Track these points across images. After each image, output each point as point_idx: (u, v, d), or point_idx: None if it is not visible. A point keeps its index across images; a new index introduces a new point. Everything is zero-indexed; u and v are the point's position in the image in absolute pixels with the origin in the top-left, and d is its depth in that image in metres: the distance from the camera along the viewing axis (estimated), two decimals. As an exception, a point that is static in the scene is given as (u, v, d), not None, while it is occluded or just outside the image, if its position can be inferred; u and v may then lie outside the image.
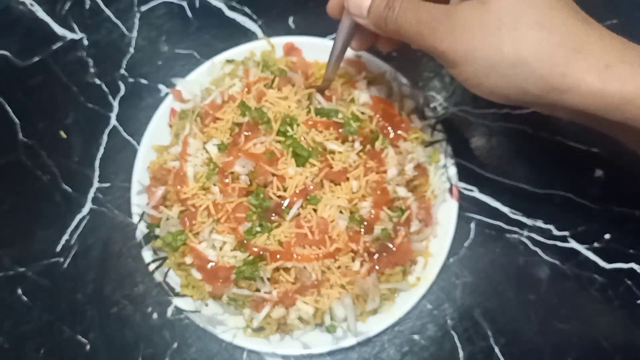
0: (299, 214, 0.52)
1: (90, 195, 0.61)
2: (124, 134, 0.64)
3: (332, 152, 0.54)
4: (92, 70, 0.67)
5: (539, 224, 0.59)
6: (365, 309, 0.53)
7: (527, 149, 0.62)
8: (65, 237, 0.60)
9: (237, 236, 0.52)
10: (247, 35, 0.68)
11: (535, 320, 0.55)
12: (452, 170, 0.58)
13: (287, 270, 0.52)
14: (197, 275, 0.54)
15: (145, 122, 0.60)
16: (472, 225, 0.59)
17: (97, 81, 0.67)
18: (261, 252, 0.51)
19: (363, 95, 0.58)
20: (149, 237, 0.56)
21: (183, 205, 0.55)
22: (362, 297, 0.53)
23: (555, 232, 0.58)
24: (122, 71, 0.67)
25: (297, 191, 0.52)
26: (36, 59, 0.68)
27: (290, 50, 0.63)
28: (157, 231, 0.56)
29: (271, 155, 0.53)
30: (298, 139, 0.53)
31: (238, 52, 0.62)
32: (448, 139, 0.59)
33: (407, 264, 0.55)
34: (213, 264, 0.53)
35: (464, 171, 0.60)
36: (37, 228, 0.60)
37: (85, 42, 0.69)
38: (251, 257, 0.52)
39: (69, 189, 0.62)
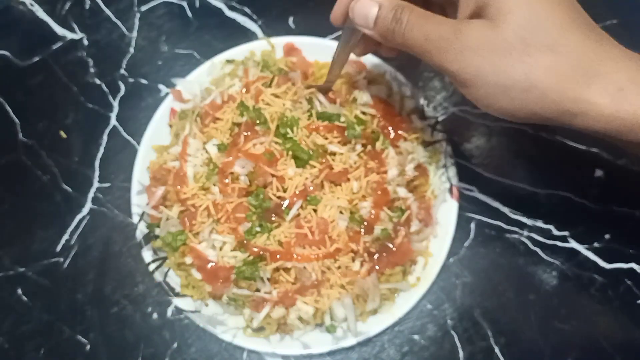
0: (298, 215, 0.52)
1: (90, 195, 0.61)
2: (124, 134, 0.64)
3: (333, 153, 0.54)
4: (92, 70, 0.67)
5: (539, 224, 0.59)
6: (365, 309, 0.53)
7: (527, 149, 0.62)
8: (65, 237, 0.60)
9: (237, 236, 0.52)
10: (247, 35, 0.68)
11: (535, 320, 0.55)
12: (452, 170, 0.58)
13: (287, 270, 0.52)
14: (197, 275, 0.54)
15: (145, 122, 0.60)
16: (472, 225, 0.59)
17: (97, 81, 0.67)
18: (261, 252, 0.51)
19: (364, 95, 0.58)
20: (149, 237, 0.56)
21: (183, 205, 0.55)
22: (362, 297, 0.53)
23: (555, 232, 0.58)
24: (122, 71, 0.67)
25: (297, 192, 0.52)
26: (36, 59, 0.68)
27: (290, 50, 0.63)
28: (157, 231, 0.56)
29: (271, 156, 0.53)
30: (298, 142, 0.53)
31: (238, 52, 0.62)
32: (448, 139, 0.59)
33: (407, 264, 0.55)
34: (213, 264, 0.53)
35: (464, 171, 0.60)
36: (37, 228, 0.60)
37: (85, 42, 0.69)
38: (251, 257, 0.52)
39: (69, 189, 0.62)
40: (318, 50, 0.62)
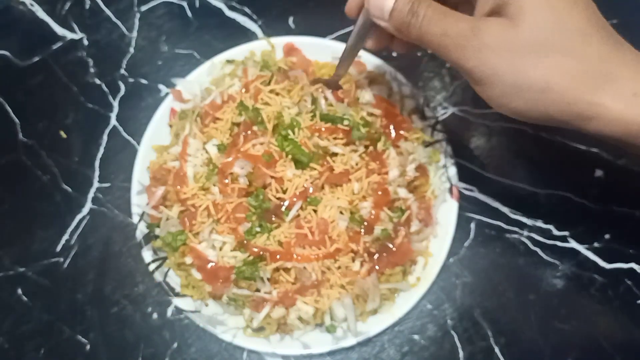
0: (298, 215, 0.52)
1: (90, 195, 0.61)
2: (124, 134, 0.64)
3: (335, 154, 0.54)
4: (92, 70, 0.67)
5: (539, 224, 0.59)
6: (365, 309, 0.53)
7: (527, 149, 0.62)
8: (65, 237, 0.60)
9: (237, 236, 0.52)
10: (247, 35, 0.68)
11: (535, 320, 0.55)
12: (452, 170, 0.58)
13: (287, 270, 0.52)
14: (197, 275, 0.54)
15: (145, 122, 0.60)
16: (472, 225, 0.59)
17: (97, 81, 0.67)
18: (261, 253, 0.51)
19: (367, 94, 0.58)
20: (149, 237, 0.56)
21: (183, 206, 0.55)
22: (362, 297, 0.53)
23: (555, 232, 0.58)
24: (122, 71, 0.67)
25: (297, 193, 0.52)
26: (36, 59, 0.68)
27: (290, 50, 0.63)
28: (157, 231, 0.56)
29: (269, 157, 0.52)
30: (299, 143, 0.53)
31: (238, 52, 0.62)
32: (448, 139, 0.59)
33: (407, 264, 0.55)
34: (213, 264, 0.53)
35: (464, 171, 0.60)
36: (37, 228, 0.60)
37: (85, 42, 0.69)
38: (251, 258, 0.52)
39: (69, 189, 0.62)
40: (318, 50, 0.62)
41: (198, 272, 0.54)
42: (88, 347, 0.56)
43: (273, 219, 0.52)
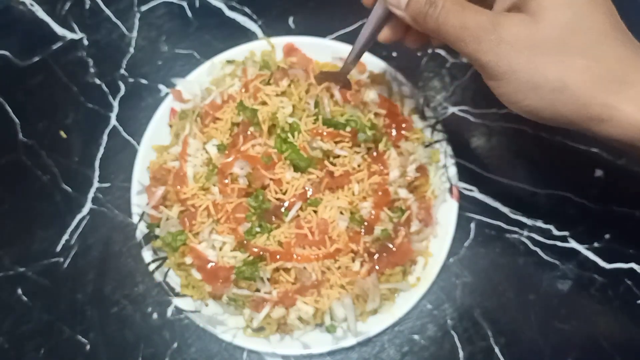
0: (298, 215, 0.52)
1: (90, 195, 0.61)
2: (124, 134, 0.64)
3: (337, 156, 0.54)
4: (92, 70, 0.67)
5: (539, 224, 0.59)
6: (365, 309, 0.53)
7: (527, 149, 0.62)
8: (65, 237, 0.60)
9: (236, 236, 0.52)
10: (247, 35, 0.68)
11: (535, 320, 0.55)
12: (452, 170, 0.58)
13: (287, 270, 0.52)
14: (197, 275, 0.54)
15: (145, 122, 0.60)
16: (472, 225, 0.59)
17: (97, 81, 0.67)
18: (261, 253, 0.51)
19: (372, 93, 0.58)
20: (149, 237, 0.56)
21: (183, 206, 0.55)
22: (362, 297, 0.53)
23: (555, 232, 0.58)
24: (122, 71, 0.67)
25: (297, 194, 0.52)
26: (36, 59, 0.68)
27: (290, 51, 0.62)
28: (157, 231, 0.56)
29: (268, 159, 0.52)
30: (298, 148, 0.52)
31: (238, 52, 0.62)
32: (448, 139, 0.59)
33: (407, 264, 0.55)
34: (213, 264, 0.53)
35: (464, 171, 0.60)
36: (37, 228, 0.60)
37: (85, 42, 0.69)
38: (251, 258, 0.52)
39: (69, 189, 0.62)
40: (318, 50, 0.62)
41: (198, 272, 0.54)
42: (88, 347, 0.56)
43: (273, 219, 0.52)
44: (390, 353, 0.55)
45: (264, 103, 0.56)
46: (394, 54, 0.65)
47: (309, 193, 0.52)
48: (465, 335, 0.55)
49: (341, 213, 0.52)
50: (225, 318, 0.54)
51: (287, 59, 0.62)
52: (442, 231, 0.56)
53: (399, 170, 0.55)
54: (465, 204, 0.59)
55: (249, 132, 0.54)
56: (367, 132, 0.54)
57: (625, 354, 0.54)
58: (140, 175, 0.58)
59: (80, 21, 0.70)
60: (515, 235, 0.58)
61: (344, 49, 0.61)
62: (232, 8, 0.70)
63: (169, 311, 0.57)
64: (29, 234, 0.60)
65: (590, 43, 0.36)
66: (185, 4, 0.70)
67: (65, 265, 0.59)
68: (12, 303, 0.57)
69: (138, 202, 0.57)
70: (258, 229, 0.52)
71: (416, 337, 0.55)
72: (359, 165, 0.54)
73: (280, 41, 0.63)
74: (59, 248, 0.59)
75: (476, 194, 0.60)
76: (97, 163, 0.63)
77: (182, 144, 0.57)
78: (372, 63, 0.61)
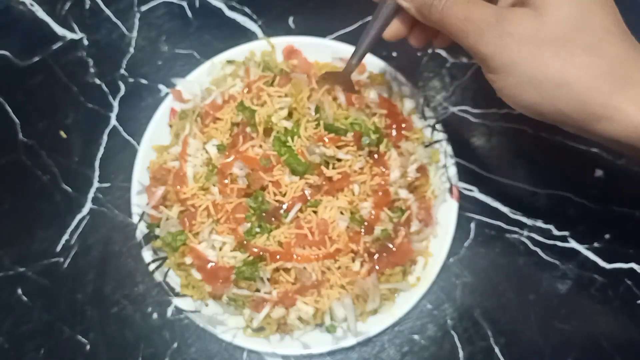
0: (298, 216, 0.52)
1: (90, 195, 0.61)
2: (124, 134, 0.64)
3: (339, 159, 0.53)
4: (92, 70, 0.67)
5: (539, 224, 0.59)
6: (365, 309, 0.53)
7: (527, 149, 0.62)
8: (65, 237, 0.60)
9: (236, 237, 0.52)
10: (247, 35, 0.68)
11: (535, 320, 0.55)
12: (452, 170, 0.58)
13: (287, 270, 0.52)
14: (197, 275, 0.54)
15: (145, 122, 0.60)
16: (472, 225, 0.59)
17: (97, 81, 0.67)
18: (261, 253, 0.51)
19: (372, 93, 0.58)
20: (149, 237, 0.56)
21: (183, 206, 0.55)
22: (362, 297, 0.53)
23: (555, 232, 0.58)
24: (122, 71, 0.67)
25: (296, 196, 0.52)
26: (36, 59, 0.68)
27: (289, 53, 0.62)
28: (157, 231, 0.56)
29: (267, 161, 0.52)
30: (296, 152, 0.52)
31: (238, 52, 0.62)
32: (448, 139, 0.59)
33: (407, 264, 0.55)
34: (213, 264, 0.53)
35: (464, 171, 0.60)
36: (37, 228, 0.60)
37: (85, 42, 0.69)
38: (251, 258, 0.52)
39: (69, 189, 0.62)
40: (318, 50, 0.62)
41: (198, 272, 0.54)
42: (88, 347, 0.56)
43: (272, 220, 0.52)
44: (390, 353, 0.55)
45: (264, 103, 0.55)
46: (394, 54, 0.65)
47: (308, 196, 0.52)
48: (465, 335, 0.55)
49: (341, 213, 0.52)
50: (225, 318, 0.54)
51: (288, 61, 0.62)
52: (442, 231, 0.56)
53: (400, 171, 0.55)
54: (465, 204, 0.59)
55: (250, 131, 0.54)
56: (371, 135, 0.53)
57: (625, 354, 0.54)
58: (140, 175, 0.58)
59: (80, 21, 0.70)
60: (515, 235, 0.58)
61: (344, 49, 0.61)
62: (232, 8, 0.70)
63: (169, 311, 0.57)
64: (29, 234, 0.60)
65: (594, 40, 0.36)
66: (185, 4, 0.70)
67: (65, 265, 0.59)
68: (12, 303, 0.57)
69: (138, 202, 0.57)
70: (258, 229, 0.52)
71: (416, 337, 0.56)
72: (361, 169, 0.53)
73: (280, 41, 0.62)
74: (59, 248, 0.59)
75: (476, 194, 0.60)
76: (97, 163, 0.63)
77: (182, 144, 0.57)
78: (372, 63, 0.61)
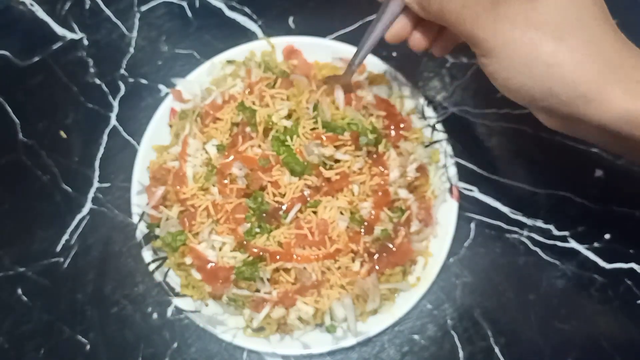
0: (297, 217, 0.52)
1: (90, 195, 0.61)
2: (124, 134, 0.64)
3: (337, 160, 0.53)
4: (92, 70, 0.67)
5: (539, 224, 0.59)
6: (365, 309, 0.53)
7: (527, 149, 0.62)
8: (65, 237, 0.60)
9: (236, 237, 0.52)
10: (247, 35, 0.68)
11: (535, 320, 0.55)
12: (452, 170, 0.58)
13: (287, 270, 0.52)
14: (197, 275, 0.54)
15: (145, 122, 0.60)
16: (472, 225, 0.59)
17: (97, 81, 0.67)
18: (261, 253, 0.51)
19: (368, 95, 0.58)
20: (149, 237, 0.56)
21: (182, 206, 0.55)
22: (362, 297, 0.53)
23: (555, 232, 0.58)
24: (122, 71, 0.67)
25: (295, 197, 0.52)
26: (36, 59, 0.68)
27: (289, 53, 0.62)
28: (157, 231, 0.56)
29: (266, 161, 0.52)
30: (295, 152, 0.52)
31: (238, 52, 0.62)
32: (448, 139, 0.59)
33: (407, 264, 0.55)
34: (213, 264, 0.53)
35: (464, 171, 0.60)
36: (37, 228, 0.60)
37: (85, 42, 0.69)
38: (251, 258, 0.52)
39: (69, 189, 0.62)
40: (318, 50, 0.62)
41: (198, 272, 0.54)
42: (88, 347, 0.56)
43: (272, 220, 0.52)
44: (390, 353, 0.55)
45: (266, 105, 0.55)
46: (394, 54, 0.65)
47: (307, 197, 0.52)
48: (465, 335, 0.55)
49: (341, 213, 0.52)
50: (225, 318, 0.54)
51: (288, 61, 0.62)
52: (442, 231, 0.56)
53: (399, 171, 0.55)
54: (465, 204, 0.59)
55: (246, 133, 0.54)
56: (368, 135, 0.54)
57: (625, 354, 0.54)
58: (140, 175, 0.58)
59: (80, 21, 0.70)
60: (515, 235, 0.58)
61: (344, 49, 0.61)
62: (232, 8, 0.70)
63: (169, 311, 0.57)
64: (29, 234, 0.60)
65: (584, 25, 0.37)
66: (185, 4, 0.70)
67: (65, 265, 0.59)
68: (12, 303, 0.58)
69: (138, 202, 0.57)
70: (258, 230, 0.52)
71: (416, 337, 0.56)
72: (360, 169, 0.53)
73: (280, 41, 0.62)
74: (59, 248, 0.59)
75: (476, 194, 0.60)
76: (97, 163, 0.63)
77: (182, 144, 0.57)
78: (372, 63, 0.61)
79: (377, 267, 0.53)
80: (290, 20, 0.69)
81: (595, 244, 0.58)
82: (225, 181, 0.53)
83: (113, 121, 0.64)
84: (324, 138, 0.53)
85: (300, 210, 0.52)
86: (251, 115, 0.54)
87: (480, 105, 0.64)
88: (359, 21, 0.68)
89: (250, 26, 0.69)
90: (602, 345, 0.54)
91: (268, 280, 0.52)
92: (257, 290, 0.52)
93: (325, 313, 0.53)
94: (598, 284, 0.57)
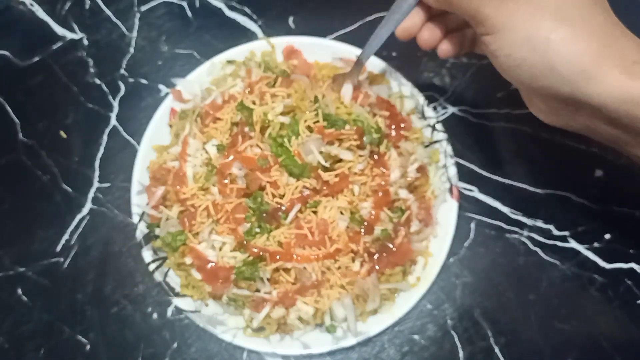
0: (297, 217, 0.52)
1: (90, 195, 0.61)
2: (124, 134, 0.64)
3: (339, 160, 0.53)
4: (92, 70, 0.67)
5: (539, 224, 0.59)
6: (365, 309, 0.53)
7: (527, 149, 0.62)
8: (65, 237, 0.60)
9: (236, 237, 0.52)
10: (247, 35, 0.68)
11: (535, 320, 0.55)
12: (452, 170, 0.58)
13: (287, 270, 0.52)
14: (197, 275, 0.54)
15: (145, 122, 0.60)
16: (472, 225, 0.59)
17: (97, 81, 0.67)
18: (261, 253, 0.51)
19: (372, 95, 0.58)
20: (149, 237, 0.56)
21: (183, 206, 0.55)
22: (362, 297, 0.53)
23: (555, 232, 0.58)
24: (122, 71, 0.67)
25: (295, 198, 0.52)
26: (36, 59, 0.68)
27: (289, 54, 0.62)
28: (157, 231, 0.56)
29: (264, 162, 0.52)
30: (293, 154, 0.52)
31: (238, 52, 0.62)
32: (448, 139, 0.59)
33: (407, 264, 0.55)
34: (213, 264, 0.53)
35: (464, 171, 0.60)
36: (37, 228, 0.60)
37: (85, 42, 0.69)
38: (251, 258, 0.52)
39: (69, 189, 0.62)
40: (318, 50, 0.62)
41: (198, 272, 0.54)
42: (88, 347, 0.56)
43: (272, 220, 0.52)
44: (390, 353, 0.55)
45: (265, 104, 0.55)
46: (394, 54, 0.65)
47: (307, 197, 0.52)
48: (465, 335, 0.55)
49: (341, 213, 0.52)
50: (225, 318, 0.54)
51: (288, 61, 0.62)
52: (442, 231, 0.56)
53: (400, 171, 0.55)
54: (465, 204, 0.59)
55: (245, 133, 0.54)
56: (373, 134, 0.53)
57: (625, 354, 0.54)
58: (140, 175, 0.58)
59: (80, 21, 0.70)
60: (515, 235, 0.58)
61: (344, 49, 0.61)
62: (232, 8, 0.70)
63: (169, 311, 0.57)
64: (29, 234, 0.60)
65: (583, 8, 0.38)
66: (185, 4, 0.70)
67: (65, 265, 0.59)
68: (12, 303, 0.57)
69: (138, 202, 0.57)
70: (258, 230, 0.52)
71: (416, 337, 0.56)
72: (361, 170, 0.53)
73: (280, 41, 0.62)
74: (59, 248, 0.59)
75: (476, 194, 0.60)
76: (97, 163, 0.63)
77: (182, 144, 0.57)
78: (372, 63, 0.61)
79: (377, 267, 0.53)
80: (290, 20, 0.69)
81: (595, 244, 0.58)
82: (226, 181, 0.53)
83: (113, 121, 0.64)
84: (326, 133, 0.52)
85: (300, 210, 0.52)
86: (249, 114, 0.54)
87: (480, 105, 0.64)
88: (359, 21, 0.68)
89: (250, 26, 0.69)
90: (602, 345, 0.54)
91: (268, 280, 0.52)
92: (257, 290, 0.52)
93: (325, 313, 0.53)
94: (598, 284, 0.57)
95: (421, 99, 0.60)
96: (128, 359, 0.55)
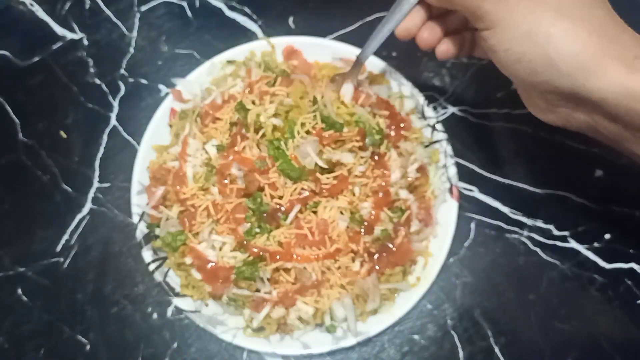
0: (297, 217, 0.52)
1: (90, 195, 0.61)
2: (124, 134, 0.64)
3: (340, 164, 0.53)
4: (92, 70, 0.67)
5: (539, 224, 0.59)
6: (365, 309, 0.53)
7: (527, 149, 0.62)
8: (65, 237, 0.60)
9: (236, 237, 0.52)
10: (247, 35, 0.68)
11: (535, 320, 0.55)
12: (452, 170, 0.58)
13: (287, 270, 0.52)
14: (197, 275, 0.54)
15: (145, 122, 0.60)
16: (472, 225, 0.59)
17: (97, 81, 0.67)
18: (261, 253, 0.51)
19: (372, 95, 0.58)
20: (149, 237, 0.56)
21: (182, 206, 0.55)
22: (362, 297, 0.53)
23: (555, 232, 0.58)
24: (122, 71, 0.67)
25: (294, 199, 0.52)
26: (36, 59, 0.68)
27: (289, 54, 0.62)
28: (157, 231, 0.56)
29: (263, 163, 0.52)
30: (289, 158, 0.51)
31: (238, 52, 0.62)
32: (448, 139, 0.59)
33: (407, 264, 0.55)
34: (213, 264, 0.53)
35: (464, 171, 0.60)
36: (37, 228, 0.60)
37: (85, 42, 0.69)
38: (251, 258, 0.52)
39: (69, 189, 0.62)
40: (318, 50, 0.62)
41: (198, 272, 0.54)
42: (88, 347, 0.56)
43: (272, 221, 0.52)
44: (390, 353, 0.55)
45: (264, 103, 0.55)
46: (394, 54, 0.65)
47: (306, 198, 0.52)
48: (465, 335, 0.55)
49: (341, 213, 0.52)
50: (225, 318, 0.54)
51: (288, 62, 0.62)
52: (442, 231, 0.56)
53: (400, 172, 0.55)
54: (465, 204, 0.59)
55: (243, 133, 0.54)
56: (374, 135, 0.53)
57: (625, 354, 0.54)
58: (140, 175, 0.58)
59: (80, 21, 0.70)
60: (515, 235, 0.58)
61: (344, 49, 0.61)
62: (232, 8, 0.70)
63: (169, 311, 0.57)
64: (29, 234, 0.60)
65: (583, 4, 0.38)
66: (185, 4, 0.70)
67: (65, 265, 0.59)
68: (12, 303, 0.57)
69: (138, 202, 0.57)
70: (258, 230, 0.52)
71: (416, 337, 0.56)
72: (362, 172, 0.53)
73: (280, 41, 0.62)
74: (59, 248, 0.59)
75: (476, 194, 0.60)
76: (97, 163, 0.63)
77: (182, 144, 0.57)
78: (372, 63, 0.61)
79: (377, 267, 0.53)
80: (290, 20, 0.69)
81: (595, 244, 0.58)
82: (225, 181, 0.53)
83: (113, 121, 0.64)
84: (326, 136, 0.52)
85: (300, 211, 0.52)
86: (245, 115, 0.54)
87: (480, 105, 0.64)
88: (359, 21, 0.68)
89: (250, 26, 0.69)
90: (602, 345, 0.54)
91: (268, 280, 0.52)
92: (257, 290, 0.52)
93: (325, 313, 0.53)
94: (598, 284, 0.57)
95: (421, 99, 0.60)
96: (128, 359, 0.55)
